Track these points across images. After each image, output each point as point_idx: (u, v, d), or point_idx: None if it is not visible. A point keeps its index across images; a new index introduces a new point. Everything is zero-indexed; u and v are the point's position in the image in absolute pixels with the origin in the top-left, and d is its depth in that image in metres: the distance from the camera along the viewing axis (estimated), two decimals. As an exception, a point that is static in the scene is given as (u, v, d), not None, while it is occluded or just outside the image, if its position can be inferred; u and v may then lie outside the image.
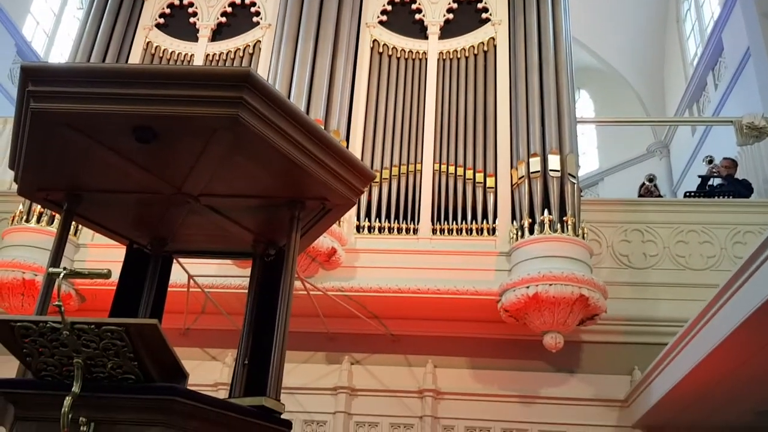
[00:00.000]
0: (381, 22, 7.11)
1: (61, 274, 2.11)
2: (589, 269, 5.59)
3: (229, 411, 2.48)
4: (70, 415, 2.13)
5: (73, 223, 5.00)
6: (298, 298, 5.71)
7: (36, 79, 2.62)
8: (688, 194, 7.58)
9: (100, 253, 6.03)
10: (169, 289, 5.94)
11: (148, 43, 7.35)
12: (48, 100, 2.62)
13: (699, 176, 7.85)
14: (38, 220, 6.19)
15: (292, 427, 2.83)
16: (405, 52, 6.98)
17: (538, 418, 5.88)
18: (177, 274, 5.51)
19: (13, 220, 6.31)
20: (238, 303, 5.17)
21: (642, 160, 14.15)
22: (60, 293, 2.10)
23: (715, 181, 7.72)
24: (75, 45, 7.18)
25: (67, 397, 2.14)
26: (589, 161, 16.59)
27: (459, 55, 6.87)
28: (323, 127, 5.94)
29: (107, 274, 2.23)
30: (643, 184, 9.06)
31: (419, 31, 7.08)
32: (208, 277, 5.74)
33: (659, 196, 8.77)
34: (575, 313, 5.36)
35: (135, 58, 7.21)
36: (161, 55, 7.31)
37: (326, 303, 5.79)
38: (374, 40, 7.02)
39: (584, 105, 16.86)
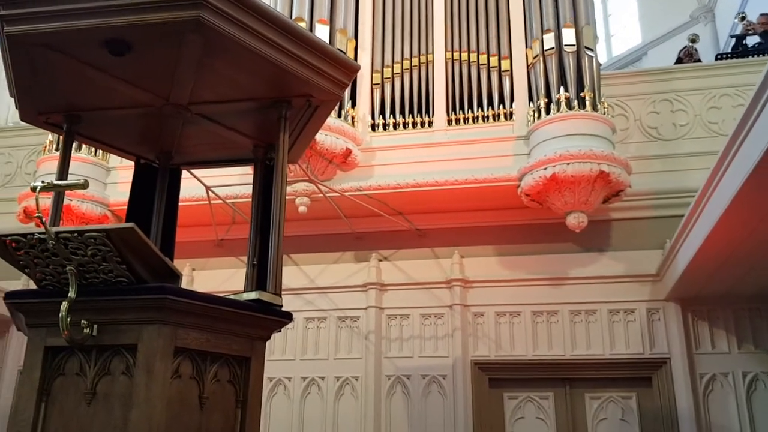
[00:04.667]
0: None
1: (38, 188, 2.20)
2: (611, 144, 5.43)
3: (223, 306, 2.60)
4: (68, 319, 2.28)
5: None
6: (321, 202, 5.82)
7: (4, 2, 2.64)
8: (720, 56, 7.14)
9: (130, 175, 6.19)
10: (196, 202, 6.12)
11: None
12: (19, 22, 2.65)
13: (731, 36, 7.36)
14: (68, 148, 6.38)
15: (292, 318, 2.95)
16: (411, -64, 6.63)
17: (568, 299, 5.90)
18: (200, 189, 5.68)
19: (44, 150, 6.55)
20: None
21: (686, 28, 13.38)
22: (39, 206, 2.20)
23: (751, 40, 7.23)
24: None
25: (63, 302, 2.28)
26: (631, 36, 15.81)
27: (467, -67, 6.49)
28: (328, 27, 5.84)
29: (84, 185, 2.31)
30: (685, 47, 8.56)
31: None
32: (232, 186, 5.83)
33: (699, 60, 8.29)
34: (597, 191, 5.27)
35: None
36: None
37: (350, 204, 5.86)
38: (378, -72, 6.69)
39: (623, -26, 15.88)
